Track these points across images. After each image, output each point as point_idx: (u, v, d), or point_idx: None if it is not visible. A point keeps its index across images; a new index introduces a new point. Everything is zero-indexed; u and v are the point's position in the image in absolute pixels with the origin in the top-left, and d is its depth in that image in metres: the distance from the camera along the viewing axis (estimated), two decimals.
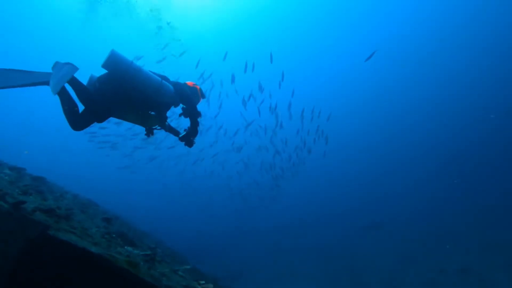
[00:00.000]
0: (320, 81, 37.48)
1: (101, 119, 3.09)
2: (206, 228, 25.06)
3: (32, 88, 2.95)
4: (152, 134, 3.35)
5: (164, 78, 3.41)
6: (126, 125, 13.87)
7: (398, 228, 16.71)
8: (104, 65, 3.04)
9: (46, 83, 2.72)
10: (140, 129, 15.07)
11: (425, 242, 13.75)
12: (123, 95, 3.06)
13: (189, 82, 3.72)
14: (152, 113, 3.32)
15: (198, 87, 3.72)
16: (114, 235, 3.76)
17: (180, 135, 3.45)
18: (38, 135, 38.74)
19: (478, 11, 27.87)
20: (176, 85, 3.47)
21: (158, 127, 3.37)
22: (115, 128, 15.17)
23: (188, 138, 3.42)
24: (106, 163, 28.97)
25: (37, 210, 2.95)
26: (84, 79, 3.26)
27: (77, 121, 3.00)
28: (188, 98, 3.43)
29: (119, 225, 6.24)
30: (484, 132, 29.24)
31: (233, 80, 13.49)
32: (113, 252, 2.94)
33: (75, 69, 2.81)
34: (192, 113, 3.41)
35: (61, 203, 4.49)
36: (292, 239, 19.01)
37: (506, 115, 27.62)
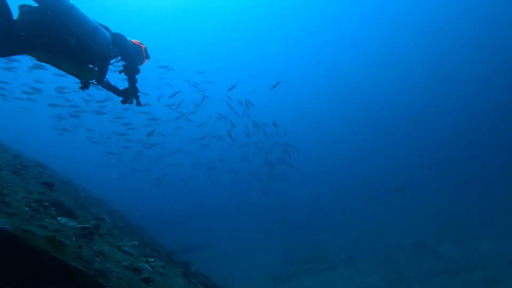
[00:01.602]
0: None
1: (13, 53, 2.63)
2: (169, 201, 24.47)
3: None
4: (87, 88, 3.15)
5: (105, 27, 3.08)
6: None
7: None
8: None
9: None
10: None
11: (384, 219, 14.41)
12: (47, 30, 2.61)
13: (134, 40, 3.47)
14: (90, 66, 3.02)
15: (143, 46, 3.48)
16: (46, 203, 3.12)
17: (119, 91, 3.29)
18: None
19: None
20: (117, 36, 3.17)
21: (95, 82, 3.08)
22: None
23: (126, 95, 3.28)
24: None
25: None
26: None
27: None
28: (128, 52, 3.25)
29: (65, 192, 5.51)
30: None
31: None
32: (34, 226, 2.35)
33: None
34: (131, 70, 3.30)
35: None
36: (258, 216, 19.14)
37: None
